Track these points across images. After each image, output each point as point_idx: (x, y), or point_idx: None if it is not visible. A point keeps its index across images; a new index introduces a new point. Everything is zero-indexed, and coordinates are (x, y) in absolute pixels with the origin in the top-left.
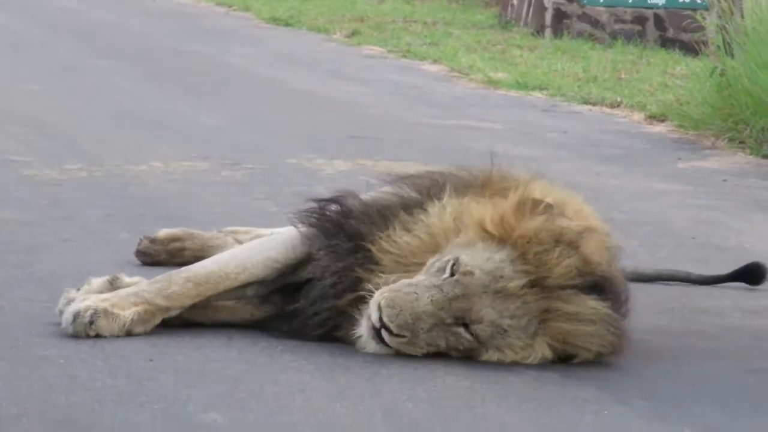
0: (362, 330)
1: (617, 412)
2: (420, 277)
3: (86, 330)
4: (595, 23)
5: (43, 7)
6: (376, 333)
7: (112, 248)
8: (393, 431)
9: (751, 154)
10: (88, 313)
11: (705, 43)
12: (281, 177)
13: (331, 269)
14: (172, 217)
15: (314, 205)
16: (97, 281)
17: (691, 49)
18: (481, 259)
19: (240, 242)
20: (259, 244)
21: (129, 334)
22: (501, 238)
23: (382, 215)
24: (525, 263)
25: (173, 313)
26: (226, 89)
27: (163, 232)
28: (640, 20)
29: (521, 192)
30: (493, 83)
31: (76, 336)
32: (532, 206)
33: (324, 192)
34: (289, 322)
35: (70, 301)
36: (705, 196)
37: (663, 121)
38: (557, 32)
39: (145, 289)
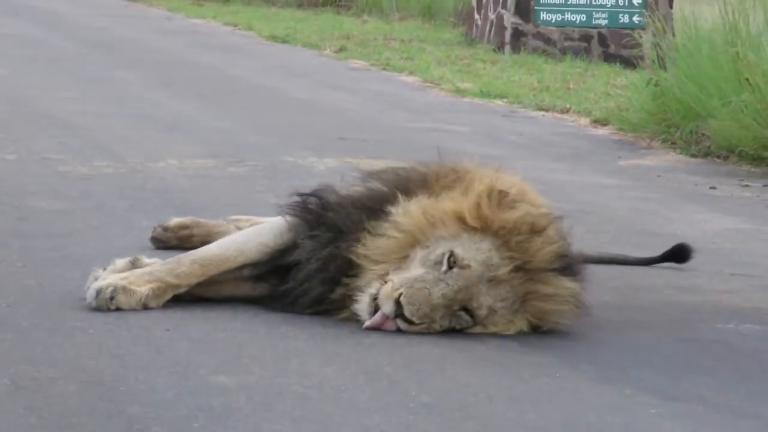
0: (362, 309)
1: (568, 375)
2: (420, 270)
3: (107, 304)
4: (548, 41)
5: (76, 25)
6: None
7: (134, 234)
8: (375, 391)
9: (681, 153)
10: (109, 289)
11: (642, 58)
12: (279, 173)
13: (316, 255)
14: (186, 207)
15: (298, 198)
16: (121, 262)
17: (630, 63)
18: (473, 251)
19: (241, 229)
20: (253, 232)
21: (145, 307)
22: (481, 229)
23: (356, 208)
24: (508, 250)
25: (182, 290)
26: (232, 97)
27: (174, 221)
28: (586, 38)
29: (488, 184)
30: (461, 92)
31: (98, 310)
32: (500, 197)
33: (314, 185)
34: (282, 301)
35: (96, 279)
36: (642, 189)
37: (606, 125)
38: (515, 48)
39: (158, 269)
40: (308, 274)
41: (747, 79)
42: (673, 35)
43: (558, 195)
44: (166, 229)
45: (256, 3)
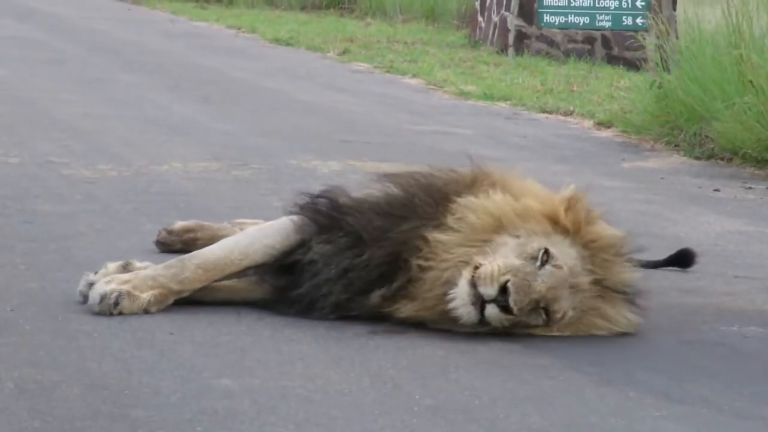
0: (460, 292)
1: (571, 377)
2: (519, 261)
3: (111, 309)
4: (551, 43)
5: (78, 28)
6: (480, 302)
7: (138, 237)
8: (379, 393)
9: (684, 155)
10: (114, 295)
11: (645, 60)
12: (283, 175)
13: (335, 261)
14: (190, 210)
15: (306, 198)
16: (112, 265)
17: (633, 65)
18: (565, 254)
19: None
20: (258, 232)
21: (146, 312)
22: (572, 234)
23: (377, 213)
24: (592, 264)
25: (184, 294)
26: (236, 99)
27: (179, 224)
28: (589, 40)
29: (572, 194)
30: (464, 95)
31: (100, 314)
32: (588, 209)
33: (322, 187)
34: (295, 305)
35: (89, 283)
36: (646, 191)
37: (609, 127)
38: (519, 51)
39: (161, 274)
40: (327, 279)
41: (750, 81)
42: (677, 37)
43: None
44: (170, 232)
45: (259, 6)
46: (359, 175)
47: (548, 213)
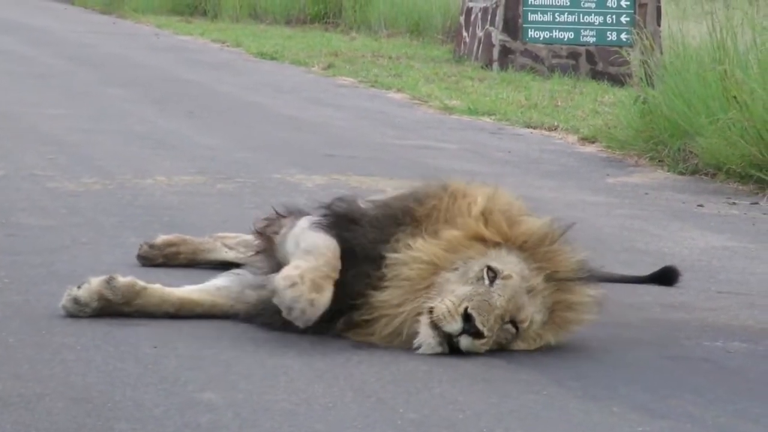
0: (424, 338)
1: (555, 392)
2: (466, 287)
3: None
4: (536, 58)
5: (64, 42)
6: (448, 339)
7: (122, 250)
8: (362, 408)
9: (669, 170)
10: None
11: (629, 76)
12: (267, 189)
13: None
14: (175, 224)
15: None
16: (96, 280)
17: (617, 80)
18: (507, 263)
19: (228, 246)
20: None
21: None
22: (504, 244)
23: (373, 227)
24: (535, 261)
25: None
26: (220, 113)
27: (161, 239)
28: (574, 56)
29: (487, 203)
30: (449, 109)
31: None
32: (507, 213)
33: (304, 201)
34: (274, 316)
35: (72, 297)
36: (630, 207)
37: (594, 142)
38: (503, 66)
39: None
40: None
41: (734, 97)
42: (661, 53)
43: (545, 212)
44: (152, 246)
45: (244, 20)
46: (343, 190)
47: (472, 235)
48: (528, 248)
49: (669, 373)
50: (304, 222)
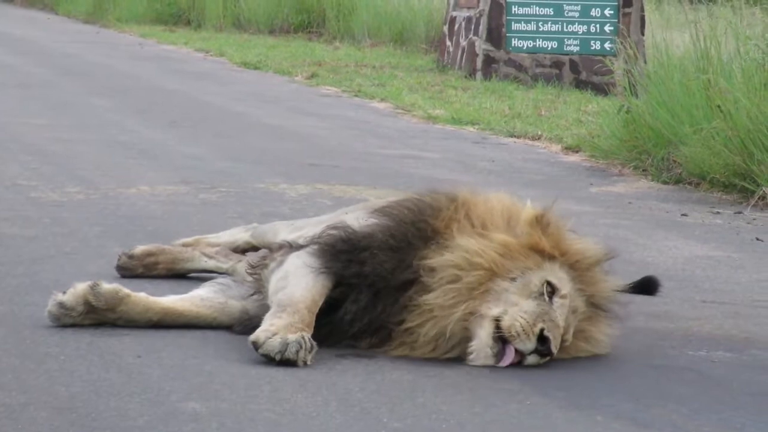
0: (482, 347)
1: (539, 401)
2: (531, 304)
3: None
4: (519, 67)
5: (48, 52)
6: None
7: (106, 260)
8: (346, 417)
9: (652, 180)
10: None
11: (613, 85)
12: (251, 199)
13: (358, 317)
14: (158, 233)
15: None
16: (81, 286)
17: (601, 90)
18: (562, 279)
19: (207, 255)
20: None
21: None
22: (557, 257)
23: (385, 252)
24: (581, 283)
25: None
26: (204, 123)
27: (139, 249)
28: (557, 65)
29: (535, 213)
30: (432, 119)
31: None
32: (551, 228)
33: (287, 212)
34: None
35: (59, 303)
36: (614, 216)
37: (577, 151)
38: (487, 75)
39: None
40: (351, 333)
41: (718, 106)
42: (645, 62)
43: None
44: (131, 257)
45: (227, 29)
46: (327, 199)
47: (529, 243)
48: (578, 268)
49: (653, 382)
50: (293, 260)
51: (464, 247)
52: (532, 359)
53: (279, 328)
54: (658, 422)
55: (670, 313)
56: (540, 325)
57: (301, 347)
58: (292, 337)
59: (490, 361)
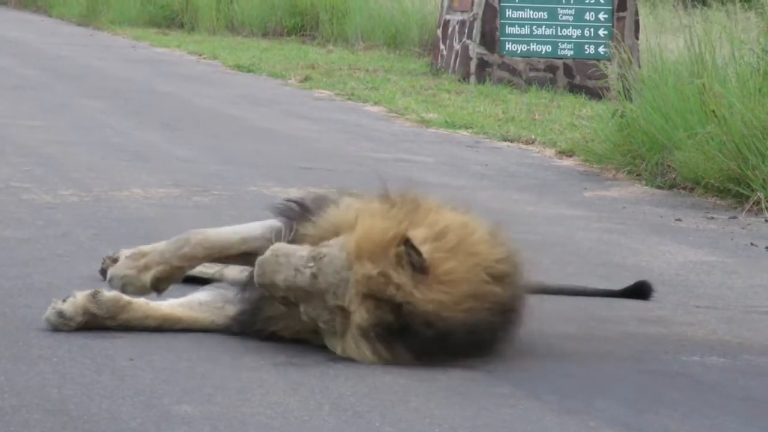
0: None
1: (531, 405)
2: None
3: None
4: (513, 71)
5: (41, 54)
6: None
7: (98, 263)
8: (339, 421)
9: (646, 184)
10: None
11: (607, 89)
12: (244, 202)
13: None
14: (150, 236)
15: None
16: (81, 294)
17: (595, 94)
18: (332, 269)
19: None
20: (258, 224)
21: (156, 291)
22: (365, 259)
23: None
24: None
25: (185, 271)
26: (197, 126)
27: (123, 252)
28: (551, 69)
29: (400, 231)
30: (426, 122)
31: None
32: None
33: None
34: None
35: (57, 311)
36: (607, 220)
37: (571, 156)
38: (480, 79)
39: (167, 249)
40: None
41: (713, 111)
42: (639, 66)
43: (522, 226)
44: (115, 261)
45: (221, 32)
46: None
47: (366, 232)
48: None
49: (646, 387)
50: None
51: None
52: None
53: (125, 266)
54: (651, 427)
55: (663, 318)
56: None
57: (127, 285)
58: (119, 272)
59: None
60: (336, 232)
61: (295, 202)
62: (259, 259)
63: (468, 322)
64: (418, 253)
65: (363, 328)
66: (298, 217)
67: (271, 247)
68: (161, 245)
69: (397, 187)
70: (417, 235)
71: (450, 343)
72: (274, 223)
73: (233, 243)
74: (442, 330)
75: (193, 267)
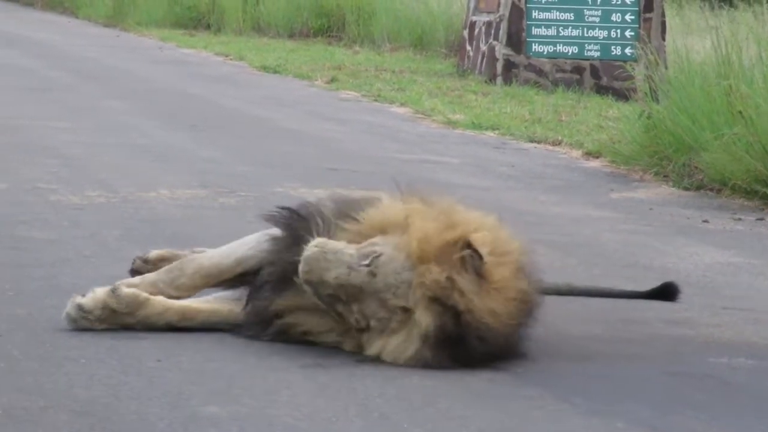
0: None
1: (559, 408)
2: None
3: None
4: (540, 72)
5: (67, 55)
6: None
7: (124, 264)
8: (366, 423)
9: (673, 186)
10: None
11: (634, 90)
12: (270, 203)
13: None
14: (177, 237)
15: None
16: (101, 290)
17: (622, 95)
18: (391, 269)
19: None
20: (253, 241)
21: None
22: (430, 262)
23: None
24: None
25: (183, 299)
26: (223, 127)
27: (153, 253)
28: (578, 70)
29: (462, 233)
30: (452, 124)
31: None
32: (461, 251)
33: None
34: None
35: (78, 306)
36: (634, 222)
37: (598, 157)
38: (507, 80)
39: (161, 279)
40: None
41: (740, 112)
42: (666, 68)
43: (549, 227)
44: (146, 261)
45: (247, 33)
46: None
47: (422, 236)
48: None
49: (673, 389)
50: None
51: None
52: None
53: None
54: (678, 429)
55: (690, 319)
56: None
57: (83, 313)
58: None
59: None
60: (383, 231)
61: (286, 209)
62: (305, 255)
63: (511, 332)
64: (481, 258)
65: (426, 331)
66: (294, 222)
67: (314, 243)
68: (150, 277)
69: (407, 186)
70: (477, 239)
71: (491, 353)
72: (262, 236)
73: (229, 267)
74: (491, 343)
75: (191, 296)
